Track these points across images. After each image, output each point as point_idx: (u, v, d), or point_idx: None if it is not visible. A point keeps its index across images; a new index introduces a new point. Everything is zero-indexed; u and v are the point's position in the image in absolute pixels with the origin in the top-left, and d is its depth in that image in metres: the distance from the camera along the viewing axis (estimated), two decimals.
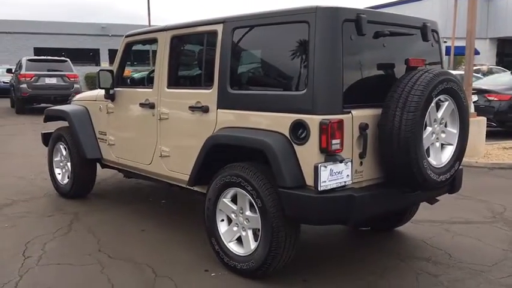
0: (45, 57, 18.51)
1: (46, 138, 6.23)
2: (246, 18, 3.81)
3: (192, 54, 4.31)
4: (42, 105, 16.13)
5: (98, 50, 42.08)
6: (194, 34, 4.32)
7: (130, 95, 4.98)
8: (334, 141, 3.25)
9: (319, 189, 3.20)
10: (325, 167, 3.21)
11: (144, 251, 4.27)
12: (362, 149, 3.41)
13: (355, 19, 3.39)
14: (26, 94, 15.79)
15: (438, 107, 3.59)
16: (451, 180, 3.89)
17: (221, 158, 3.87)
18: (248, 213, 3.66)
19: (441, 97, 3.53)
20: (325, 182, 3.22)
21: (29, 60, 16.81)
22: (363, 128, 3.39)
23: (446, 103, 3.61)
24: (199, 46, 4.26)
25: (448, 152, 3.72)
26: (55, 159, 6.07)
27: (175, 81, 4.51)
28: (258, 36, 3.80)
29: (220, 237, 3.86)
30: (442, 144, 3.70)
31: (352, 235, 4.81)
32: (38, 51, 39.19)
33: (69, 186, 5.84)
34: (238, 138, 3.68)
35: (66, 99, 15.58)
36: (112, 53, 40.63)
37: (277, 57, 3.72)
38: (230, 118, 3.84)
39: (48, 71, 16.06)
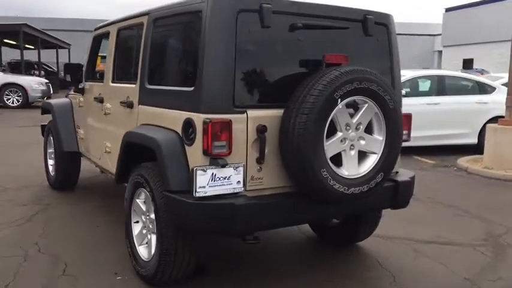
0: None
1: (43, 130, 6.43)
2: (162, 9, 3.60)
3: (130, 47, 4.18)
4: None
5: None
6: (131, 27, 4.18)
7: (91, 89, 4.96)
8: (217, 143, 2.94)
9: (194, 194, 2.91)
10: (204, 171, 2.92)
11: (77, 247, 4.21)
12: (259, 153, 3.07)
13: (258, 9, 3.05)
14: None
15: (356, 109, 3.15)
16: (390, 193, 3.47)
17: (141, 156, 3.69)
18: (152, 216, 3.45)
19: (355, 99, 3.09)
20: (203, 187, 2.92)
21: None
22: (260, 130, 3.05)
23: (365, 106, 3.15)
24: (134, 39, 4.12)
25: (369, 161, 3.25)
26: (49, 150, 6.24)
27: (117, 75, 4.40)
28: (168, 29, 3.57)
29: (133, 240, 3.69)
30: (362, 152, 3.24)
31: (310, 247, 4.44)
32: None
33: (54, 178, 5.98)
34: (138, 136, 3.50)
35: None
36: None
37: (180, 51, 3.48)
38: (147, 115, 3.66)
39: None
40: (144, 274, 3.46)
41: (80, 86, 5.15)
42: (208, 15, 2.99)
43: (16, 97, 17.55)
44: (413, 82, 9.91)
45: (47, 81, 19.13)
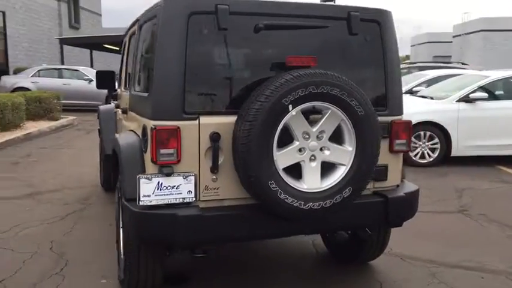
0: None
1: (99, 133, 6.79)
2: (143, 15, 3.59)
3: (132, 54, 4.22)
4: None
5: None
6: (133, 33, 4.21)
7: (122, 97, 5.11)
8: (163, 151, 2.84)
9: (138, 203, 2.84)
10: (149, 179, 2.84)
11: (88, 247, 4.37)
12: (212, 163, 2.92)
13: (213, 11, 2.91)
14: None
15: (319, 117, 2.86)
16: (379, 210, 3.17)
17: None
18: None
19: (315, 105, 2.81)
20: (148, 196, 2.83)
21: None
22: (213, 138, 2.89)
23: (328, 113, 2.85)
24: (132, 46, 4.14)
25: (337, 174, 2.93)
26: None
27: (125, 83, 4.48)
28: (145, 34, 3.53)
29: (120, 245, 3.73)
30: (331, 164, 2.93)
31: (317, 262, 4.16)
32: None
33: (101, 178, 6.30)
34: (113, 142, 3.52)
35: None
36: None
37: (146, 56, 3.42)
38: (131, 121, 3.68)
39: None
40: (119, 280, 3.48)
41: (114, 93, 5.35)
42: (161, 19, 2.92)
43: None
44: (506, 83, 8.87)
45: None
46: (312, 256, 4.29)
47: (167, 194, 2.87)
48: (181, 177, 2.87)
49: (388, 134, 3.28)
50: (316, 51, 3.14)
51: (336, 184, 2.90)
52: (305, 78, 2.74)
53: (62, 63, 23.60)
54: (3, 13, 20.97)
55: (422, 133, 8.09)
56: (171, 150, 2.85)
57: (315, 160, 2.89)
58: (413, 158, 8.09)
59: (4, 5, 20.98)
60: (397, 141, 3.31)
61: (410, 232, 4.63)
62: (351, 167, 2.92)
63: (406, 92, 9.95)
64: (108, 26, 34.43)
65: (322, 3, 3.19)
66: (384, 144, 3.27)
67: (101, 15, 34.41)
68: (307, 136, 2.85)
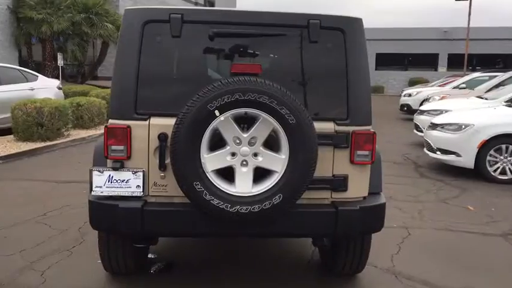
0: None
1: None
2: None
3: None
4: None
5: (437, 54, 41.35)
6: None
7: None
8: (114, 147, 3.13)
9: (90, 193, 3.16)
10: (100, 172, 3.14)
11: None
12: (159, 161, 3.14)
13: (167, 20, 3.12)
14: None
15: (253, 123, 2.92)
16: (328, 220, 3.14)
17: None
18: None
19: (247, 112, 2.87)
20: (99, 187, 3.14)
21: None
22: (161, 138, 3.11)
23: (259, 120, 2.89)
24: None
25: (269, 180, 2.95)
26: None
27: None
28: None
29: None
30: (266, 171, 2.97)
31: (310, 269, 4.15)
32: (379, 56, 41.69)
33: None
34: None
35: None
36: (452, 58, 39.51)
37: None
38: None
39: None
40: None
41: None
42: (121, 26, 3.20)
43: None
44: None
45: None
46: (304, 260, 4.27)
47: (117, 187, 3.15)
48: (131, 172, 3.13)
49: (348, 144, 3.20)
50: (272, 59, 3.19)
51: (266, 190, 2.93)
52: (231, 85, 2.82)
53: None
54: None
55: (504, 146, 7.37)
56: (121, 147, 3.13)
57: (247, 165, 2.95)
58: (493, 173, 7.40)
59: None
60: (358, 152, 3.21)
61: (426, 250, 4.43)
62: (283, 174, 2.93)
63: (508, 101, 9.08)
64: None
65: (281, 11, 3.19)
66: (344, 155, 3.21)
67: None
68: (239, 141, 2.92)
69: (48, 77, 15.73)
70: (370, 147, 3.22)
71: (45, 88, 11.40)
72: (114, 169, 3.12)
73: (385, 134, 12.85)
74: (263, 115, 2.87)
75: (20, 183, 6.93)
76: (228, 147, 2.93)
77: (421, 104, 14.95)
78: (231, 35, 3.16)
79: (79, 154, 9.04)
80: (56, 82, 12.65)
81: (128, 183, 3.15)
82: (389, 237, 4.83)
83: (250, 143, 2.93)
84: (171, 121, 3.06)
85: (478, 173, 7.49)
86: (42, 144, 9.22)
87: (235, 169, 2.96)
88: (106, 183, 3.14)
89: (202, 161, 2.91)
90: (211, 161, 2.92)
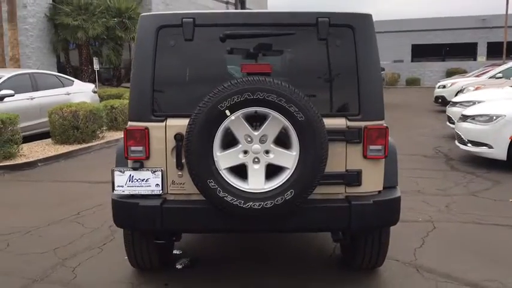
0: None
1: None
2: None
3: None
4: None
5: (476, 43, 40.30)
6: None
7: None
8: (133, 148, 3.27)
9: (113, 192, 3.32)
10: (122, 172, 3.29)
11: None
12: (176, 160, 3.26)
13: (180, 24, 3.23)
14: None
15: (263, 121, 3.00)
16: (342, 214, 3.19)
17: None
18: None
19: (257, 111, 2.95)
20: (121, 186, 3.29)
21: None
22: (178, 138, 3.23)
23: (269, 118, 2.97)
24: None
25: (281, 177, 3.02)
26: None
27: None
28: None
29: None
30: (278, 167, 3.04)
31: (331, 263, 4.20)
32: (415, 47, 40.99)
33: None
34: None
35: None
36: (491, 47, 38.44)
37: None
38: None
39: None
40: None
41: None
42: (137, 33, 3.34)
43: None
44: None
45: None
46: (325, 255, 4.32)
47: (138, 186, 3.30)
48: (150, 171, 3.27)
49: (360, 139, 3.24)
50: (283, 58, 3.26)
51: (278, 186, 3.01)
52: (241, 85, 2.91)
53: None
54: None
55: None
56: (140, 148, 3.27)
57: (259, 162, 3.04)
58: None
59: None
60: (371, 147, 3.25)
61: (451, 243, 4.45)
62: (294, 170, 3.00)
63: None
64: None
65: (291, 11, 3.26)
66: (357, 150, 3.25)
67: None
68: (250, 139, 3.01)
69: (85, 81, 16.25)
70: (382, 141, 3.25)
71: (81, 92, 11.79)
72: (134, 169, 3.26)
73: (417, 127, 12.71)
74: (272, 113, 2.95)
75: (57, 184, 7.25)
76: (240, 146, 3.03)
77: (456, 96, 14.64)
78: (241, 36, 3.25)
79: (113, 155, 9.28)
80: (91, 86, 13.05)
81: (147, 182, 3.28)
82: (413, 231, 4.84)
83: (262, 141, 3.01)
84: (187, 122, 3.18)
85: (511, 164, 7.33)
86: (78, 146, 9.56)
87: (247, 166, 3.05)
88: (127, 182, 3.29)
89: (215, 159, 3.01)
90: (224, 159, 3.02)
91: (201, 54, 3.33)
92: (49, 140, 10.03)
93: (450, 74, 34.82)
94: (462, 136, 8.00)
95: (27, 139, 9.81)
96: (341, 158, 3.25)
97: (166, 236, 3.59)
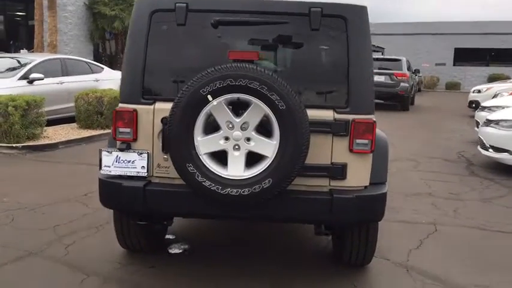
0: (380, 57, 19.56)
1: None
2: None
3: None
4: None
5: None
6: None
7: None
8: (121, 129, 3.32)
9: (100, 172, 3.38)
10: (109, 152, 3.35)
11: None
12: (161, 143, 3.29)
13: (173, 9, 3.26)
14: None
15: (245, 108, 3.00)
16: (323, 207, 3.16)
17: None
18: None
19: (240, 97, 2.95)
20: (108, 166, 3.35)
21: None
22: (164, 122, 3.26)
23: (251, 105, 2.96)
24: None
25: (260, 165, 3.01)
26: None
27: None
28: None
29: None
30: (259, 155, 3.03)
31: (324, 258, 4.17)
32: (458, 51, 39.93)
33: None
34: None
35: (392, 97, 16.23)
36: None
37: None
38: None
39: (379, 69, 16.83)
40: None
41: None
42: (131, 16, 3.39)
43: None
44: None
45: None
46: (317, 249, 4.29)
47: (124, 167, 3.35)
48: (136, 153, 3.32)
49: (347, 132, 3.19)
50: (275, 47, 3.25)
51: (257, 174, 3.00)
52: (224, 71, 2.91)
53: None
54: None
55: None
56: (127, 129, 3.32)
57: (239, 149, 3.03)
58: None
59: None
60: (358, 141, 3.20)
61: (449, 247, 4.39)
62: (273, 159, 2.99)
63: None
64: None
65: (284, 0, 3.23)
66: (343, 143, 3.21)
67: None
68: (232, 126, 3.01)
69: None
70: (370, 136, 3.19)
71: (110, 79, 12.00)
72: (121, 150, 3.31)
73: (445, 131, 12.41)
74: (254, 100, 2.94)
75: (74, 166, 7.43)
76: (221, 131, 3.03)
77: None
78: (233, 23, 3.25)
79: None
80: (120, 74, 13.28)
81: (133, 163, 3.33)
82: (414, 232, 4.75)
83: (243, 128, 3.01)
84: None
85: None
86: (101, 131, 9.75)
87: (227, 153, 3.05)
88: (114, 163, 3.34)
89: (195, 144, 3.03)
90: (204, 144, 3.04)
91: (192, 40, 3.35)
92: (74, 125, 10.28)
93: (492, 79, 33.79)
94: (484, 141, 7.77)
95: (55, 122, 10.09)
96: (327, 150, 3.22)
97: (149, 218, 3.63)
